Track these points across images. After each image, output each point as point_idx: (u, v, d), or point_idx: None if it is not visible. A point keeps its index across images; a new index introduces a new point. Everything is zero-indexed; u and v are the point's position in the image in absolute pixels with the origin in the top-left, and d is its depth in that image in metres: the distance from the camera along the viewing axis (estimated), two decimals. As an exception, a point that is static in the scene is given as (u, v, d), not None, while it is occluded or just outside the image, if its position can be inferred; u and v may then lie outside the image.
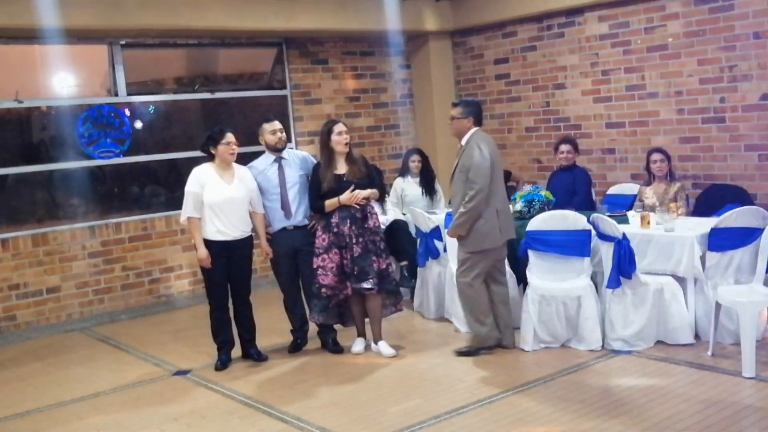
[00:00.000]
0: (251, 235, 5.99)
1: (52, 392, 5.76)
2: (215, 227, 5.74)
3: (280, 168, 6.00)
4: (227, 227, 5.77)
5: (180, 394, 5.52)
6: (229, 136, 5.76)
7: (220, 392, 5.45)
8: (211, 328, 5.98)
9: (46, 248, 7.55)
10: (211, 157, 5.82)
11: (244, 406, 5.15)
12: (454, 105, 5.84)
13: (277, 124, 6.05)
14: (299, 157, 6.15)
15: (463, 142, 5.68)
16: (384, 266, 5.87)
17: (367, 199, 5.83)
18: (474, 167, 5.50)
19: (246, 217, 5.90)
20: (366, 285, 5.77)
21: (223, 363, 5.94)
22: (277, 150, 6.02)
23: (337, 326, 6.22)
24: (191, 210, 5.73)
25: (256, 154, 6.21)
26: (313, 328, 6.22)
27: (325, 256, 5.80)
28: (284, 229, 6.00)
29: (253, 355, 6.06)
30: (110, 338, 7.18)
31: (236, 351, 6.09)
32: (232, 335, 6.04)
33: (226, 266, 5.83)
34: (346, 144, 5.83)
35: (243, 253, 5.92)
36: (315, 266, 5.82)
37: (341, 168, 5.86)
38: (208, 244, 5.74)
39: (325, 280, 5.80)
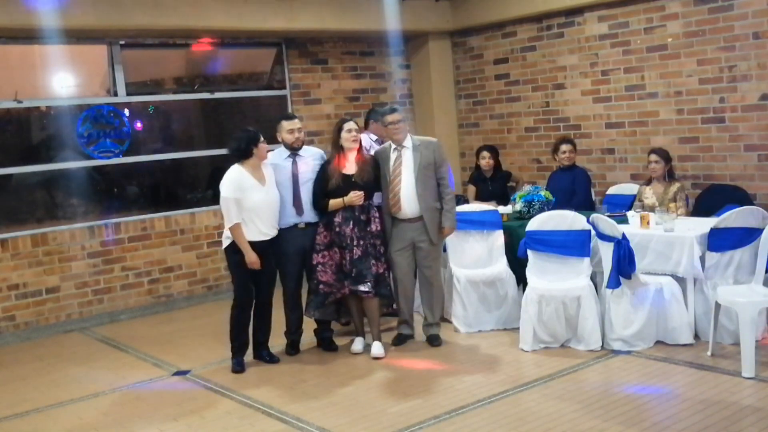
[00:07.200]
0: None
1: (51, 392, 5.75)
2: (257, 228, 5.68)
3: (294, 164, 5.92)
4: (267, 227, 5.75)
5: (179, 394, 5.52)
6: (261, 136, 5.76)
7: (219, 392, 5.45)
8: (231, 327, 5.85)
9: (45, 248, 7.54)
10: (247, 158, 5.68)
11: (244, 406, 5.15)
12: (393, 110, 5.95)
13: (296, 123, 5.96)
14: (316, 154, 6.08)
15: (406, 143, 5.92)
16: (381, 270, 5.87)
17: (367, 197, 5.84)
18: (444, 165, 6.00)
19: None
20: (363, 288, 5.76)
21: (240, 365, 5.82)
22: (293, 149, 5.96)
23: (333, 325, 6.26)
24: (235, 215, 5.61)
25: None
26: (311, 327, 6.22)
27: (326, 253, 5.81)
28: (295, 226, 5.93)
29: (264, 356, 5.99)
30: (110, 338, 7.18)
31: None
32: (249, 337, 5.97)
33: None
34: (355, 140, 5.84)
35: (274, 250, 5.85)
36: (315, 262, 5.82)
37: (350, 168, 5.86)
38: (251, 245, 5.65)
39: (324, 277, 5.81)
